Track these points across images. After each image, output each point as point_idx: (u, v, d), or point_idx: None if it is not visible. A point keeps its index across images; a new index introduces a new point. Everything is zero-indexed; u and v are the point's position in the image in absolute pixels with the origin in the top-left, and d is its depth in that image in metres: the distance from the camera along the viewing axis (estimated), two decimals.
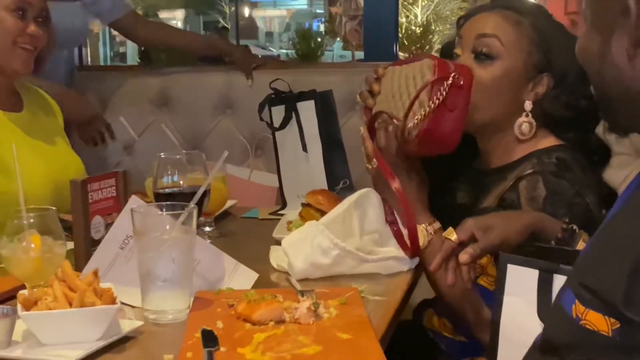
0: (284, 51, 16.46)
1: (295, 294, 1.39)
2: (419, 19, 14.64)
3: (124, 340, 1.24)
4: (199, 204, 1.42)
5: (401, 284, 1.55)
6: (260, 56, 3.94)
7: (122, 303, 1.30)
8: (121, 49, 17.84)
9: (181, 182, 1.74)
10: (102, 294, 1.23)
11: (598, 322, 0.93)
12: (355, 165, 2.16)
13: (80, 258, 1.52)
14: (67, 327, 1.19)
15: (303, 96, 2.25)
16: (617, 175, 1.69)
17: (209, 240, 1.82)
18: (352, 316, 1.30)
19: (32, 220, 1.36)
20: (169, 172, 1.73)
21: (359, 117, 2.03)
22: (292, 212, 2.00)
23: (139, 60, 8.32)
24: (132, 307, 1.37)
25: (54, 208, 1.42)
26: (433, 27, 14.86)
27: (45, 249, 1.35)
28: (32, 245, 1.35)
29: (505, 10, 1.67)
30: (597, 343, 0.93)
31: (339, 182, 2.20)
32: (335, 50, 14.90)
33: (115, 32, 2.97)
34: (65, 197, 1.97)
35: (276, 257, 1.64)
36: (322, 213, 1.75)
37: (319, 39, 13.80)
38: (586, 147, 1.65)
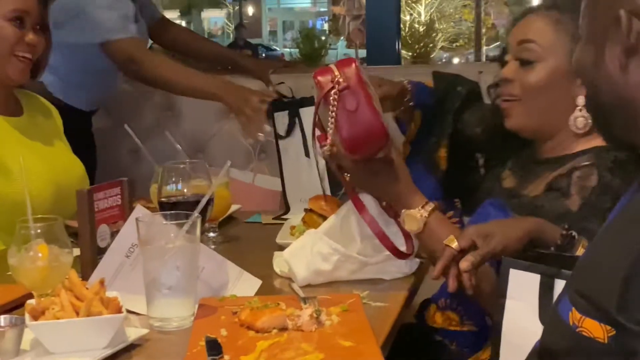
0: (288, 50, 16.48)
1: (297, 301, 1.41)
2: (423, 17, 14.62)
3: (130, 348, 1.26)
4: (203, 212, 1.44)
5: (402, 290, 1.57)
6: (264, 55, 3.94)
7: (128, 311, 1.32)
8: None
9: (185, 190, 1.76)
10: (109, 303, 1.25)
11: (594, 329, 0.94)
12: None
13: (86, 266, 1.54)
14: (75, 336, 1.21)
15: (306, 102, 2.26)
16: None
17: (212, 246, 1.84)
18: (354, 323, 1.32)
19: (39, 230, 1.38)
20: (173, 180, 1.76)
21: None
22: (295, 218, 2.02)
23: None
24: (138, 314, 1.40)
25: (60, 218, 1.44)
26: (437, 26, 14.86)
27: (52, 258, 1.37)
28: (40, 255, 1.37)
29: (547, 10, 1.70)
30: (593, 350, 0.94)
31: (342, 187, 2.22)
32: (340, 49, 14.92)
33: None
34: (66, 198, 2.00)
35: (279, 263, 1.66)
36: (325, 219, 1.77)
37: (323, 38, 13.81)
38: None
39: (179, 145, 2.18)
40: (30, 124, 2.11)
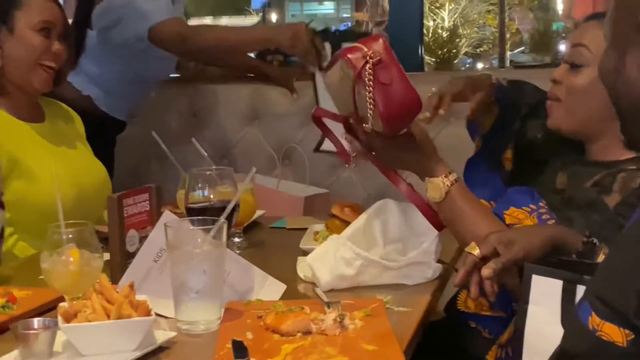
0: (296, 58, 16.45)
1: (321, 305, 1.43)
2: (446, 22, 14.59)
3: (158, 351, 1.29)
4: (229, 217, 1.47)
5: (426, 295, 1.59)
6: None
7: (156, 314, 1.36)
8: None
9: (211, 196, 1.79)
10: (138, 306, 1.28)
11: (613, 333, 0.96)
12: None
13: (116, 270, 1.58)
14: (105, 338, 1.25)
15: (348, 36, 2.19)
16: None
17: (237, 251, 1.87)
18: (377, 327, 1.34)
19: (70, 235, 1.42)
20: (200, 186, 1.79)
21: None
22: (318, 224, 2.04)
23: None
24: (166, 318, 1.43)
25: (91, 223, 1.47)
26: (460, 31, 14.81)
27: (83, 263, 1.40)
28: (71, 259, 1.40)
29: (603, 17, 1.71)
30: (612, 354, 0.96)
31: None
32: None
33: None
34: (89, 200, 2.05)
35: (303, 268, 1.69)
36: (348, 224, 1.79)
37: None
38: None
39: (204, 152, 2.21)
40: (52, 130, 2.16)
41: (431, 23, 14.07)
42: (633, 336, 0.94)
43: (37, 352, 1.21)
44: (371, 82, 1.53)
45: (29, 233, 1.96)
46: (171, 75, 3.24)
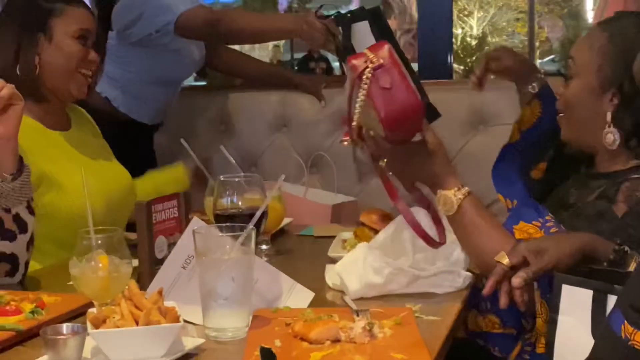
0: (338, 63, 16.49)
1: (350, 314, 1.42)
2: (475, 30, 14.55)
3: (186, 357, 1.29)
4: (257, 224, 1.47)
5: (455, 304, 1.58)
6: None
7: (185, 321, 1.36)
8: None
9: (240, 203, 1.80)
10: (167, 313, 1.28)
11: None
12: None
13: (144, 276, 1.59)
14: (134, 344, 1.25)
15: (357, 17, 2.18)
16: None
17: (265, 259, 1.87)
18: (406, 336, 1.33)
19: (99, 241, 1.42)
20: (228, 194, 1.79)
21: None
22: (347, 231, 2.03)
23: (195, 75, 8.53)
24: (194, 324, 1.43)
25: (120, 229, 1.48)
26: (489, 39, 14.76)
27: (112, 269, 1.41)
28: (100, 265, 1.41)
29: (597, 28, 1.77)
30: None
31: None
32: None
33: None
34: (117, 208, 2.06)
35: (331, 276, 1.68)
36: (376, 232, 1.79)
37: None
38: None
39: (233, 160, 2.21)
40: (78, 137, 2.18)
41: (460, 31, 14.04)
42: None
43: (66, 357, 1.21)
44: (367, 85, 1.53)
45: (56, 243, 1.98)
46: (199, 83, 3.25)
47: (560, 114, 1.79)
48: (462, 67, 13.37)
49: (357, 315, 1.39)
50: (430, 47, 3.28)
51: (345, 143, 1.66)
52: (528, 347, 1.61)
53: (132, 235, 1.71)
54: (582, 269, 1.38)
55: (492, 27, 14.86)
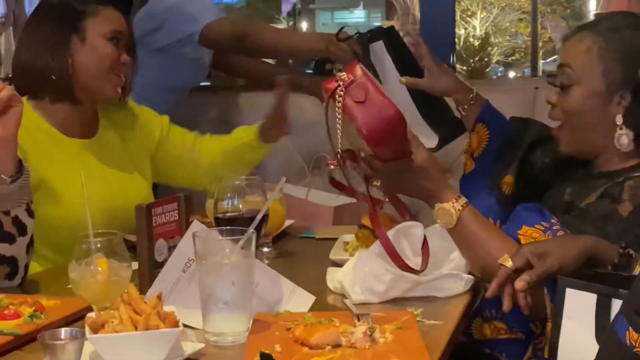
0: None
1: (351, 318, 1.41)
2: (478, 31, 14.54)
3: None
4: (258, 228, 1.46)
5: (457, 307, 1.56)
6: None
7: (184, 325, 1.34)
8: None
9: (240, 205, 1.79)
10: (166, 317, 1.27)
11: None
12: None
13: (144, 280, 1.58)
14: (133, 350, 1.24)
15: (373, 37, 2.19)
16: None
17: (266, 261, 1.86)
18: (408, 341, 1.32)
19: (99, 245, 1.41)
20: (229, 196, 1.78)
21: None
22: (348, 234, 2.02)
23: None
24: (194, 328, 1.42)
25: (119, 232, 1.47)
26: (492, 39, 14.74)
27: (111, 273, 1.40)
28: (99, 269, 1.40)
29: (583, 32, 1.73)
30: None
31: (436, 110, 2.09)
32: None
33: None
34: (123, 225, 2.00)
35: (332, 279, 1.67)
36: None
37: None
38: None
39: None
40: (100, 146, 2.14)
41: (462, 31, 14.02)
42: None
43: None
44: (340, 103, 1.53)
45: (58, 251, 1.97)
46: (202, 83, 3.25)
47: (559, 127, 1.77)
48: (464, 68, 13.36)
49: (358, 320, 1.38)
50: (432, 47, 3.27)
51: (332, 167, 1.66)
52: (539, 351, 1.60)
53: (133, 237, 1.70)
54: (586, 272, 1.37)
55: (495, 28, 14.83)
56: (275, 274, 1.54)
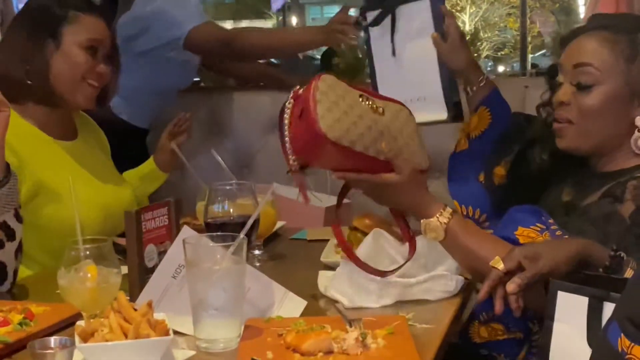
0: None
1: (343, 323, 1.40)
2: (467, 26, 14.55)
3: None
4: (249, 233, 1.45)
5: (449, 310, 1.56)
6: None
7: (175, 331, 1.34)
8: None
9: (231, 210, 1.78)
10: (156, 325, 1.26)
11: None
12: None
13: (134, 286, 1.57)
14: (123, 358, 1.23)
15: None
16: None
17: (258, 264, 1.86)
18: (400, 346, 1.31)
19: (88, 252, 1.40)
20: (219, 200, 1.77)
21: None
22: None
23: None
24: (185, 335, 1.41)
25: (109, 238, 1.46)
26: (481, 34, 14.76)
27: (101, 279, 1.39)
28: (89, 276, 1.38)
29: (601, 30, 1.69)
30: None
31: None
32: None
33: None
34: (115, 221, 2.03)
35: (324, 283, 1.67)
36: None
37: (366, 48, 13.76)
38: None
39: (224, 165, 2.20)
40: (82, 148, 2.15)
41: None
42: None
43: None
44: (287, 116, 1.55)
45: (50, 253, 1.95)
46: (195, 80, 3.24)
47: (566, 124, 1.71)
48: None
49: (350, 326, 1.37)
50: None
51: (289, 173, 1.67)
52: (535, 349, 1.60)
53: (123, 241, 1.69)
54: (578, 275, 1.37)
55: (484, 23, 14.86)
56: (267, 279, 1.53)
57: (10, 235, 1.71)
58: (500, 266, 1.43)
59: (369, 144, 1.54)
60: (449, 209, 1.60)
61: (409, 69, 2.01)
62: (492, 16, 15.03)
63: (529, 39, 14.22)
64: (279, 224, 2.15)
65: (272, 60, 4.67)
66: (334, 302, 1.59)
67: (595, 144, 1.70)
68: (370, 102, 1.58)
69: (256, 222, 1.67)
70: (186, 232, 1.48)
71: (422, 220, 1.60)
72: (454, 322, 1.54)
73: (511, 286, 1.39)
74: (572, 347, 1.29)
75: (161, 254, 1.59)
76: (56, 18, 2.04)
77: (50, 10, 2.05)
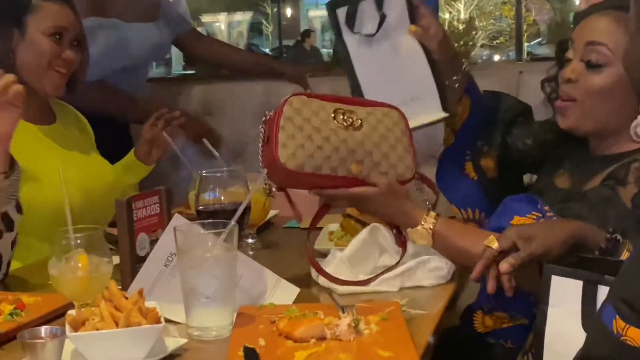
0: (326, 50, 16.45)
1: (336, 309, 1.39)
2: (462, 15, 14.51)
3: (169, 358, 1.26)
4: (240, 220, 1.44)
5: (443, 296, 1.56)
6: None
7: (167, 319, 1.33)
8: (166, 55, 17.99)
9: (222, 197, 1.76)
10: (147, 314, 1.25)
11: (638, 338, 0.92)
12: None
13: (126, 275, 1.56)
14: (114, 347, 1.22)
15: None
16: None
17: (251, 252, 1.84)
18: (393, 332, 1.30)
19: (79, 241, 1.39)
20: (211, 188, 1.76)
21: None
22: (333, 223, 2.00)
23: (184, 63, 8.51)
24: (177, 323, 1.40)
25: (100, 227, 1.45)
26: (477, 23, 14.72)
27: (92, 269, 1.38)
28: (80, 265, 1.38)
29: (617, 10, 1.64)
30: (637, 359, 0.93)
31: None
32: None
33: None
34: (97, 204, 2.04)
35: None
36: (363, 224, 1.76)
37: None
38: None
39: (216, 153, 2.19)
40: (62, 132, 2.15)
41: (447, 15, 13.99)
42: None
43: None
44: (261, 137, 1.59)
45: (36, 237, 1.94)
46: (185, 72, 3.23)
47: (570, 102, 1.68)
48: None
49: (343, 312, 1.36)
50: None
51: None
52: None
53: (115, 231, 1.67)
54: (573, 258, 1.36)
55: (479, 11, 14.81)
56: (259, 266, 1.52)
57: (9, 226, 1.71)
58: (495, 245, 1.42)
59: (337, 165, 1.56)
60: (432, 214, 1.61)
61: (396, 69, 1.90)
62: (487, 5, 14.97)
63: (524, 27, 14.18)
64: (272, 212, 2.14)
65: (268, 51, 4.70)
66: (327, 289, 1.58)
67: (597, 126, 1.68)
68: (345, 117, 1.58)
69: (247, 210, 1.66)
70: (178, 220, 1.47)
71: (408, 230, 1.61)
72: (447, 308, 1.54)
73: (504, 266, 1.38)
74: (567, 331, 1.28)
75: (153, 242, 1.58)
76: (20, 7, 2.02)
77: (14, 0, 2.03)
